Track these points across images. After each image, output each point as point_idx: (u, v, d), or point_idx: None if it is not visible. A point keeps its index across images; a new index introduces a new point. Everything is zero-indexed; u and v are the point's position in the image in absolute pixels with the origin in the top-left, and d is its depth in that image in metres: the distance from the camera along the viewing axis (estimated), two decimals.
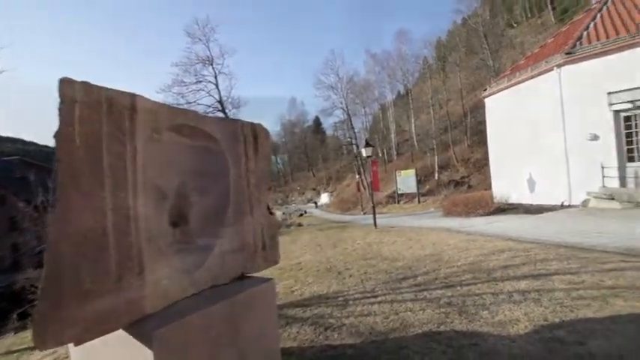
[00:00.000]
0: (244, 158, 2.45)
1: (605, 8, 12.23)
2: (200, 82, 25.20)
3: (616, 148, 9.96)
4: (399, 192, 25.69)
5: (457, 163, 27.42)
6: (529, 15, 47.46)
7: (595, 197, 10.01)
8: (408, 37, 43.34)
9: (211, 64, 25.68)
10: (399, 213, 20.79)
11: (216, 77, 25.83)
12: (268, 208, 2.71)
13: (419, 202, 23.59)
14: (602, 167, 10.02)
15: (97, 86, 1.57)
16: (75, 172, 1.44)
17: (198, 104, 24.09)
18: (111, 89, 1.64)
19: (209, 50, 25.68)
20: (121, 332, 1.60)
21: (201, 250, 2.14)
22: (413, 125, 37.59)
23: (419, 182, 24.91)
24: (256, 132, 2.57)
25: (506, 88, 13.72)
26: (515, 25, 45.08)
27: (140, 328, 1.60)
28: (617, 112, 9.94)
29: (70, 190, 1.41)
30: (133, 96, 1.75)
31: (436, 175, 27.58)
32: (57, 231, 1.36)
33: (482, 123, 19.15)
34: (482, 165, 22.85)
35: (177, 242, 2.06)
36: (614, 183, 9.91)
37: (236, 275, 2.32)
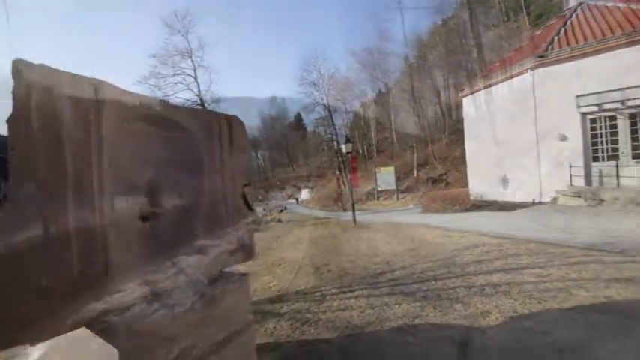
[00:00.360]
0: (218, 151, 2.37)
1: (574, 16, 12.80)
2: (178, 74, 24.55)
3: (582, 149, 10.51)
4: (379, 189, 26.01)
5: (435, 161, 28.05)
6: (505, 19, 48.97)
7: (563, 195, 10.52)
8: (390, 35, 43.78)
9: (190, 57, 25.06)
10: (379, 209, 21.07)
11: (195, 70, 25.24)
12: (246, 203, 2.65)
13: (398, 198, 24.00)
14: (570, 166, 10.54)
15: (57, 70, 1.46)
16: (31, 161, 1.33)
17: (177, 97, 23.48)
18: (73, 74, 1.53)
19: (188, 42, 25.03)
20: (83, 332, 1.51)
21: (172, 246, 2.07)
22: (393, 123, 38.09)
23: (398, 179, 25.36)
24: (231, 124, 2.49)
25: (483, 88, 14.13)
26: (492, 27, 46.39)
27: (105, 328, 1.52)
28: (584, 114, 10.46)
29: (24, 179, 1.31)
30: (98, 82, 1.64)
31: (415, 172, 28.10)
32: (10, 224, 1.26)
33: (460, 122, 19.64)
34: (459, 163, 23.47)
35: (148, 238, 1.98)
36: (580, 182, 10.45)
37: (210, 272, 2.26)
